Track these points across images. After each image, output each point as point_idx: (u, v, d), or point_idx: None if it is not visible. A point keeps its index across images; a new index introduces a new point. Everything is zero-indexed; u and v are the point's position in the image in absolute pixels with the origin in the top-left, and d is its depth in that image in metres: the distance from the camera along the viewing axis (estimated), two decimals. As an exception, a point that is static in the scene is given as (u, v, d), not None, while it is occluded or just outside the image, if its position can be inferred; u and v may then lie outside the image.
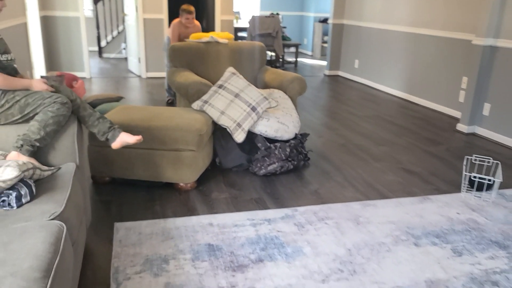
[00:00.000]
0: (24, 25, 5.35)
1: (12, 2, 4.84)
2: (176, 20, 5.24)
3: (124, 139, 2.42)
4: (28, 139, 2.04)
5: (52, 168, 1.93)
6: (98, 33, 9.26)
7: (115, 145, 2.42)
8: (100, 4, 9.34)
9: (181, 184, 2.95)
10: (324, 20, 10.13)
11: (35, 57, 6.29)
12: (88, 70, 6.94)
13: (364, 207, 2.82)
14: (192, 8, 5.14)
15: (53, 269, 1.28)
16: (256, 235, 2.42)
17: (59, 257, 1.34)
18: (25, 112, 2.13)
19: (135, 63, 7.35)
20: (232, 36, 4.35)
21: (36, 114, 2.11)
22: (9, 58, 2.19)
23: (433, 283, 2.07)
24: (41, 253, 1.31)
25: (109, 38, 9.59)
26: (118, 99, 4.74)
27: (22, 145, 2.02)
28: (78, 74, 6.90)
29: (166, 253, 2.22)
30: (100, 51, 9.38)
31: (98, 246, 2.28)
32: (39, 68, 6.36)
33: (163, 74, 7.18)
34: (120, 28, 9.65)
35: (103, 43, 9.48)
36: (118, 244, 2.28)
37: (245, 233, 2.44)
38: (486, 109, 4.47)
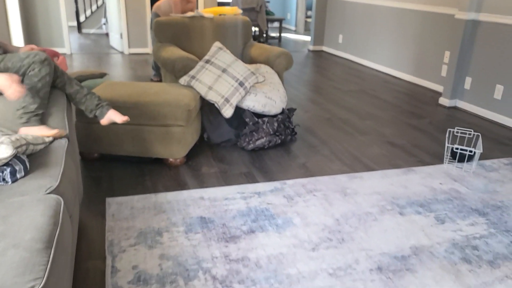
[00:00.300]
0: (2, 0, 5.19)
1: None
2: None
3: (111, 117, 2.41)
4: (29, 111, 2.03)
5: (46, 141, 1.92)
6: (77, 8, 9.02)
7: (103, 121, 2.42)
8: (78, -23, 9.06)
9: (171, 159, 2.97)
10: (308, -5, 10.05)
11: (14, 32, 6.11)
12: (69, 46, 6.79)
13: (350, 179, 2.90)
14: None
15: (55, 241, 1.30)
16: (247, 208, 2.47)
17: (59, 229, 1.36)
18: None
19: (117, 39, 7.21)
20: (240, 11, 4.31)
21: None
22: None
23: (417, 249, 2.17)
24: (41, 225, 1.33)
25: (88, 12, 9.35)
26: (101, 75, 4.67)
27: (28, 119, 2.02)
28: (58, 50, 6.75)
29: (159, 226, 2.26)
30: (79, 26, 9.15)
31: (91, 221, 2.31)
32: (18, 44, 6.19)
33: (147, 50, 7.07)
34: (99, 2, 9.40)
35: (82, 18, 9.24)
36: (111, 219, 2.31)
37: (236, 206, 2.49)
38: (468, 83, 4.56)
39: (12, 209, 1.41)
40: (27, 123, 2.04)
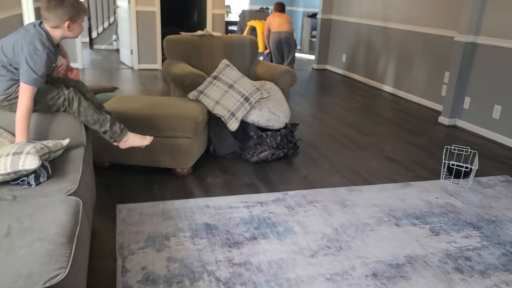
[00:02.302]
0: (20, 16, 5.43)
1: (7, -8, 4.91)
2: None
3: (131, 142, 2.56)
4: (107, 129, 2.36)
5: (64, 145, 2.03)
6: (90, 25, 9.30)
7: (122, 145, 2.52)
8: (91, -5, 9.37)
9: (178, 169, 3.11)
10: (313, 15, 10.30)
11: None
12: (81, 61, 7.02)
13: (350, 191, 3.02)
14: None
15: (76, 236, 1.44)
16: (249, 216, 2.60)
17: (79, 226, 1.50)
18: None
19: (127, 55, 7.44)
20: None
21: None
22: None
23: (411, 258, 2.28)
24: (64, 222, 1.47)
25: (100, 29, 9.63)
26: (113, 89, 4.87)
27: (114, 133, 2.39)
28: (72, 65, 6.96)
29: (167, 231, 2.39)
30: (91, 42, 9.42)
31: (103, 225, 2.44)
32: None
33: (156, 66, 7.29)
34: (111, 19, 9.69)
35: (94, 35, 9.52)
36: (122, 223, 2.44)
37: (239, 214, 2.62)
38: (467, 102, 4.70)
39: (37, 208, 1.56)
40: (121, 133, 2.38)
